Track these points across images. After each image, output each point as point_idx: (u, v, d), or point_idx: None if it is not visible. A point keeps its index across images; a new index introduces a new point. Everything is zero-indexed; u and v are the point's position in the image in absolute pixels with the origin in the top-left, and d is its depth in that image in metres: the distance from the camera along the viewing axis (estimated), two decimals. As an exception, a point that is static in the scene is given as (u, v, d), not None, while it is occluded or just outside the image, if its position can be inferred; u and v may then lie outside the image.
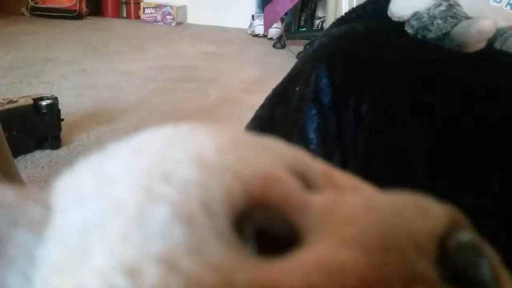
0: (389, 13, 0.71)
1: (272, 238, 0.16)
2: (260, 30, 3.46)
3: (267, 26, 3.11)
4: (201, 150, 0.18)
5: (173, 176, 0.17)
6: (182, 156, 0.18)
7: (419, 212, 0.17)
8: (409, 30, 0.69)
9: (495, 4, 0.73)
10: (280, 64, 2.39)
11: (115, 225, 0.16)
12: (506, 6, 0.74)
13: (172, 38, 3.29)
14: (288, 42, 3.06)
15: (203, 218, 0.15)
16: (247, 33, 3.68)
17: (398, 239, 0.16)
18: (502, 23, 0.71)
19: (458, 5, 0.68)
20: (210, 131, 0.20)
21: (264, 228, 0.16)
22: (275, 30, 3.27)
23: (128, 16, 4.04)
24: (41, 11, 3.62)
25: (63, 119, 1.37)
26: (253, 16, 3.64)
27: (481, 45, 0.65)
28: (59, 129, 1.36)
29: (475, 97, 0.60)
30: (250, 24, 3.67)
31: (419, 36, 0.68)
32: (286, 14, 3.18)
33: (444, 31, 0.65)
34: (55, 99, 1.35)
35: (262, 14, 3.15)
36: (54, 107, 1.34)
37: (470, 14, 0.70)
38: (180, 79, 2.20)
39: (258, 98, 0.81)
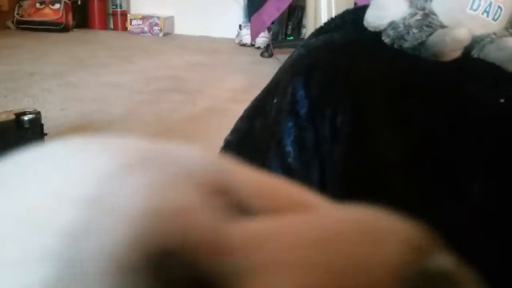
0: (365, 23, 0.71)
1: None
2: (247, 39, 3.47)
3: (254, 35, 3.12)
4: (79, 183, 0.14)
5: (48, 225, 0.13)
6: (55, 196, 0.14)
7: (378, 239, 0.14)
8: (386, 40, 0.69)
9: (471, 12, 0.73)
10: (268, 73, 2.37)
11: None
12: (482, 13, 0.74)
13: (159, 49, 3.28)
14: (275, 51, 3.07)
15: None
16: (235, 42, 3.68)
17: (352, 283, 0.13)
18: (479, 31, 0.71)
19: (434, 13, 0.68)
20: (90, 151, 0.15)
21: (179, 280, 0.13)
22: (262, 39, 3.28)
23: (115, 28, 4.03)
24: (27, 24, 3.60)
25: (46, 134, 1.36)
26: (240, 26, 3.65)
27: (457, 53, 0.65)
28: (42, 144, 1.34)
29: (452, 105, 0.60)
30: (238, 34, 3.68)
31: (395, 45, 0.68)
32: (273, 23, 3.19)
33: (419, 41, 0.65)
34: (38, 113, 1.34)
35: (249, 24, 3.16)
36: (36, 122, 1.32)
37: (446, 23, 0.70)
38: (167, 90, 2.19)
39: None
